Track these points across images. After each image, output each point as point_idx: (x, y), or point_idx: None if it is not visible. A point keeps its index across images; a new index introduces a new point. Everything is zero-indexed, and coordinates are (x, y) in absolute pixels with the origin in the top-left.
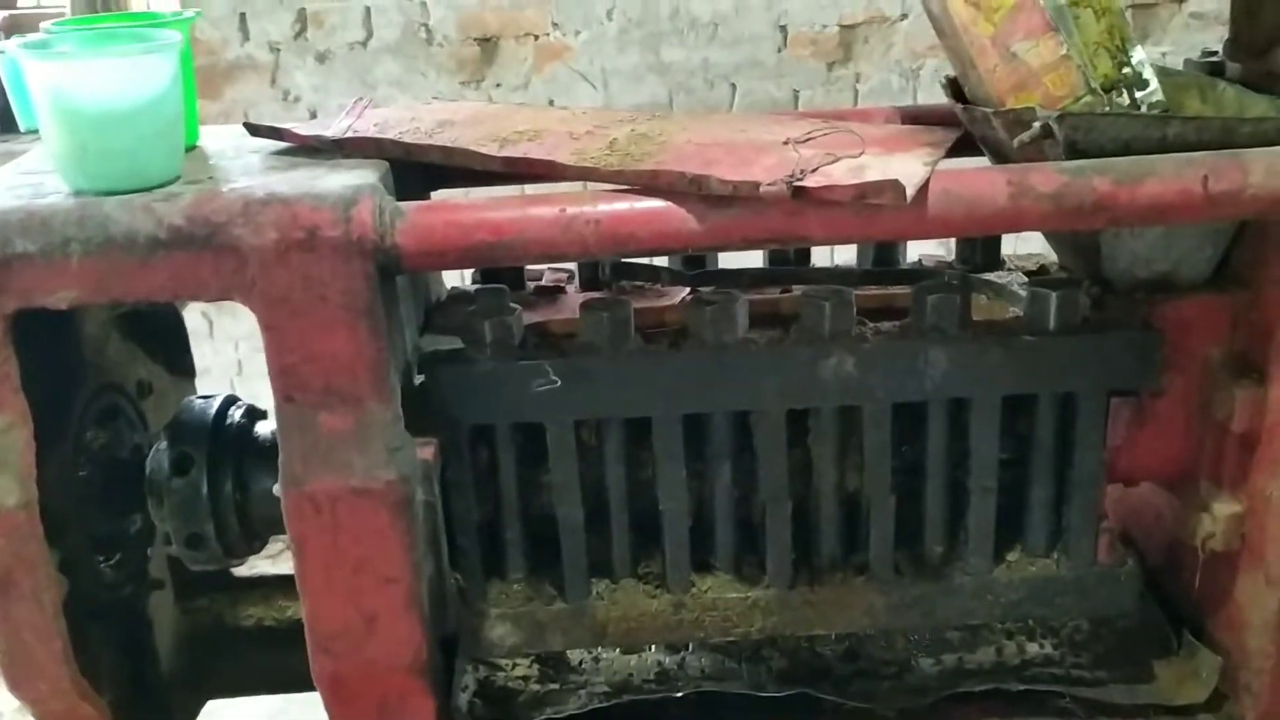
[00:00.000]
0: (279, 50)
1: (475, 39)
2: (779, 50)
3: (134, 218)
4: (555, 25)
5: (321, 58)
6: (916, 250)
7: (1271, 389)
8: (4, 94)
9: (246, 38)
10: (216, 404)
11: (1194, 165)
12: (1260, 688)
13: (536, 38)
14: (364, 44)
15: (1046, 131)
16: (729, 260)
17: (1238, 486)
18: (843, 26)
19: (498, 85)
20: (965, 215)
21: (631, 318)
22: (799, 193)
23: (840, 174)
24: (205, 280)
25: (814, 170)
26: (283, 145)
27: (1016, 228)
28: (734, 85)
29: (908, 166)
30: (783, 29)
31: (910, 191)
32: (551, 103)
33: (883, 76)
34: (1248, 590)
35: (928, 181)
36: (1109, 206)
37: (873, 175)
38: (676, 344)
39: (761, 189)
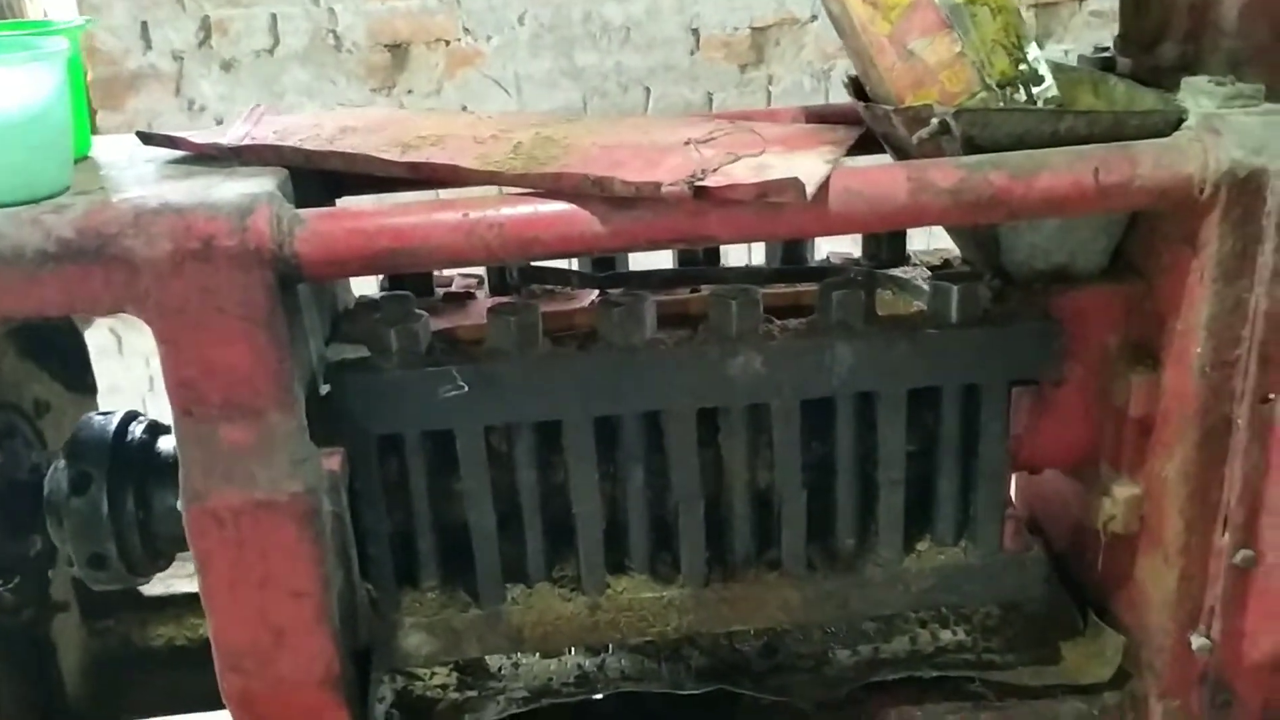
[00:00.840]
0: (182, 59)
1: (385, 45)
2: (692, 53)
3: (21, 231)
4: (466, 31)
5: (227, 66)
6: (826, 248)
7: (1165, 375)
8: None
9: (149, 46)
10: (116, 420)
11: (1085, 158)
12: (1162, 665)
13: (448, 43)
14: (270, 51)
15: (944, 128)
16: (640, 262)
17: (1136, 470)
18: (754, 29)
19: (409, 92)
20: (867, 211)
21: (539, 321)
22: (700, 192)
23: (741, 173)
24: (97, 293)
25: (714, 170)
26: (178, 154)
27: (917, 223)
28: (648, 89)
29: (809, 165)
30: (695, 32)
31: (810, 189)
32: (465, 108)
33: (795, 78)
34: (1147, 570)
35: (829, 179)
36: (1005, 200)
37: (774, 174)
38: (585, 346)
39: (663, 189)
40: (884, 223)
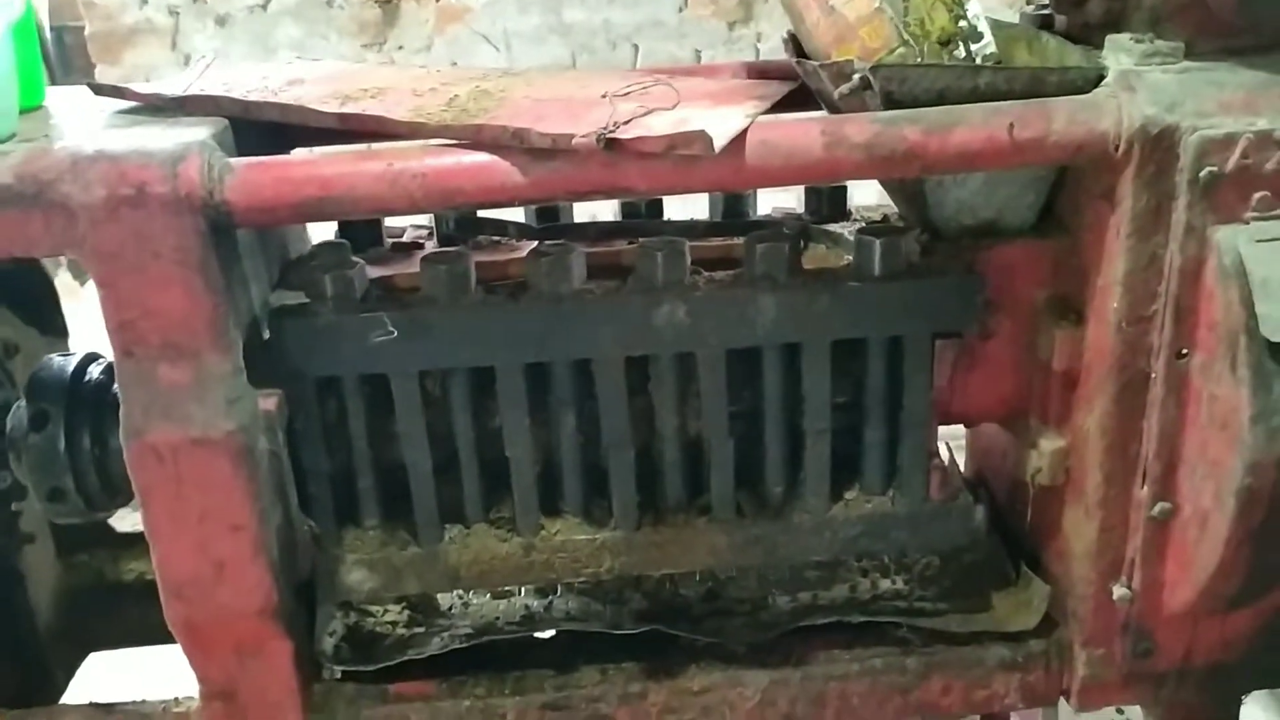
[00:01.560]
0: (178, 14)
1: (376, 1)
2: (680, 10)
3: None
4: None
5: (221, 21)
6: (772, 203)
7: (1088, 330)
8: None
9: (144, 2)
10: (75, 361)
11: (1000, 114)
12: (1085, 613)
13: (437, 0)
14: (264, 7)
15: (865, 84)
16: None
17: (1062, 423)
18: None
19: (399, 48)
20: (782, 165)
21: (471, 270)
22: (611, 144)
23: (655, 126)
24: (36, 237)
25: (627, 122)
26: (128, 105)
27: (834, 177)
28: (636, 46)
29: (725, 118)
30: None
31: (719, 143)
32: (454, 64)
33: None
34: (1072, 521)
35: (745, 133)
36: (920, 155)
37: (687, 128)
38: (515, 296)
39: (574, 141)
40: (800, 176)
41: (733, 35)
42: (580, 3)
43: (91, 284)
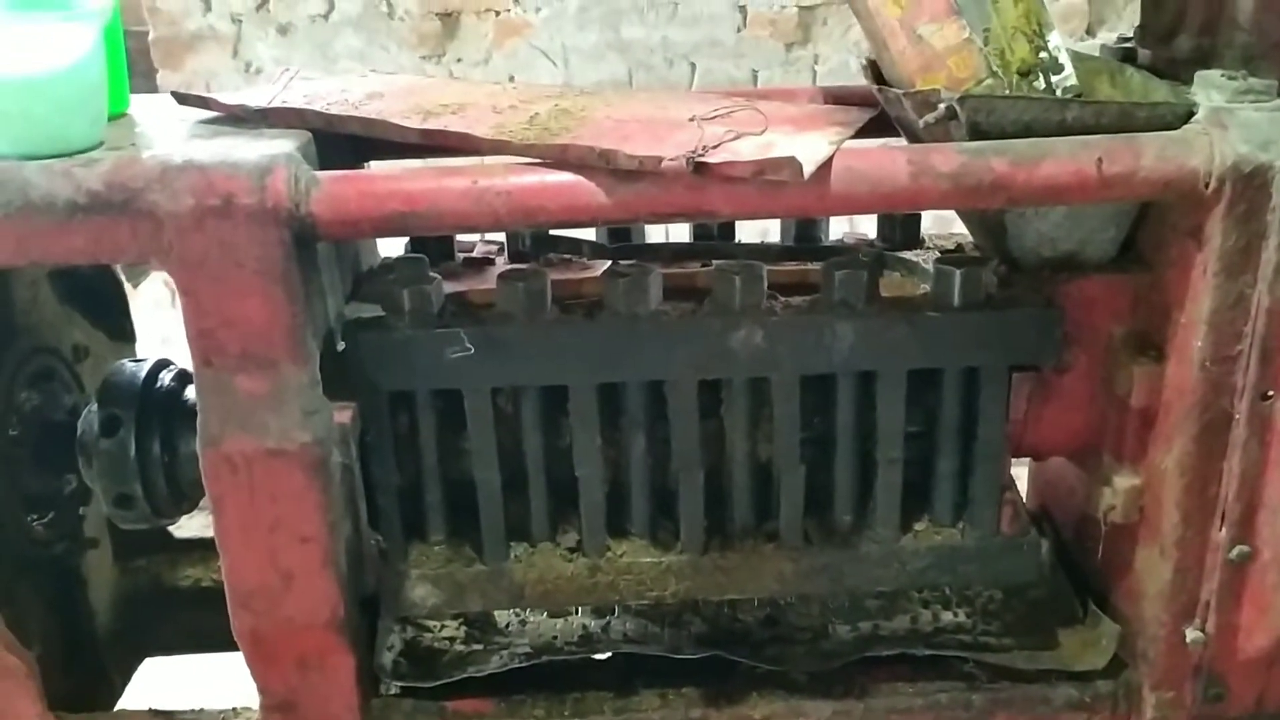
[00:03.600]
0: (241, 21)
1: (436, 13)
2: (738, 30)
3: (53, 182)
4: (516, 1)
5: (283, 30)
6: (843, 229)
7: (1168, 366)
8: None
9: (208, 8)
10: (147, 367)
11: (1089, 148)
12: (1156, 656)
13: (498, 14)
14: (325, 17)
15: (951, 113)
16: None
17: (1137, 460)
18: (801, 8)
19: (458, 60)
20: (868, 192)
21: (548, 288)
22: (700, 168)
23: (743, 150)
24: (123, 244)
25: (715, 146)
26: (210, 115)
27: (918, 206)
28: (693, 64)
29: (812, 144)
30: (742, 9)
31: (808, 169)
32: (512, 79)
33: (841, 58)
34: (1145, 561)
35: (831, 159)
36: (1006, 186)
37: (775, 152)
38: (591, 315)
39: (663, 164)
40: (884, 204)
41: (790, 56)
42: (639, 20)
43: (144, 286)
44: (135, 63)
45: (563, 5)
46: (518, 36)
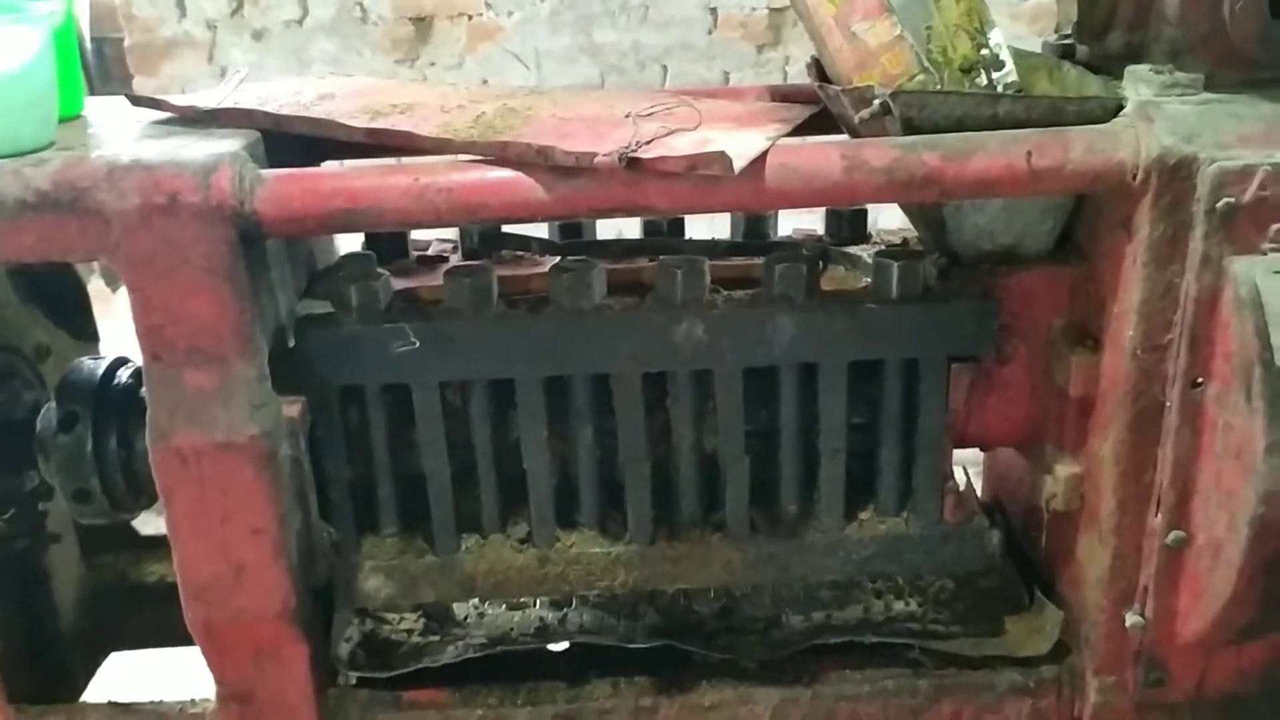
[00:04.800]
0: (215, 28)
1: (409, 18)
2: (709, 32)
3: (2, 181)
4: (488, 5)
5: (258, 35)
6: (792, 224)
7: (1103, 356)
8: None
9: (184, 14)
10: (105, 364)
11: (1019, 142)
12: (1097, 641)
13: (470, 18)
14: (299, 22)
15: (885, 109)
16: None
17: (1077, 449)
18: (772, 9)
19: (432, 64)
20: (802, 187)
21: (493, 283)
22: (633, 164)
23: (679, 146)
24: (71, 242)
25: (649, 142)
26: (163, 116)
27: (852, 200)
28: (665, 67)
29: (746, 140)
30: (713, 11)
31: (739, 164)
32: (485, 82)
33: (806, 60)
34: (1086, 548)
35: (765, 155)
36: (938, 180)
37: (710, 148)
38: (536, 309)
39: (596, 160)
40: (819, 199)
41: (761, 58)
42: (610, 24)
43: (124, 291)
44: (112, 69)
45: (535, 9)
46: (490, 41)
